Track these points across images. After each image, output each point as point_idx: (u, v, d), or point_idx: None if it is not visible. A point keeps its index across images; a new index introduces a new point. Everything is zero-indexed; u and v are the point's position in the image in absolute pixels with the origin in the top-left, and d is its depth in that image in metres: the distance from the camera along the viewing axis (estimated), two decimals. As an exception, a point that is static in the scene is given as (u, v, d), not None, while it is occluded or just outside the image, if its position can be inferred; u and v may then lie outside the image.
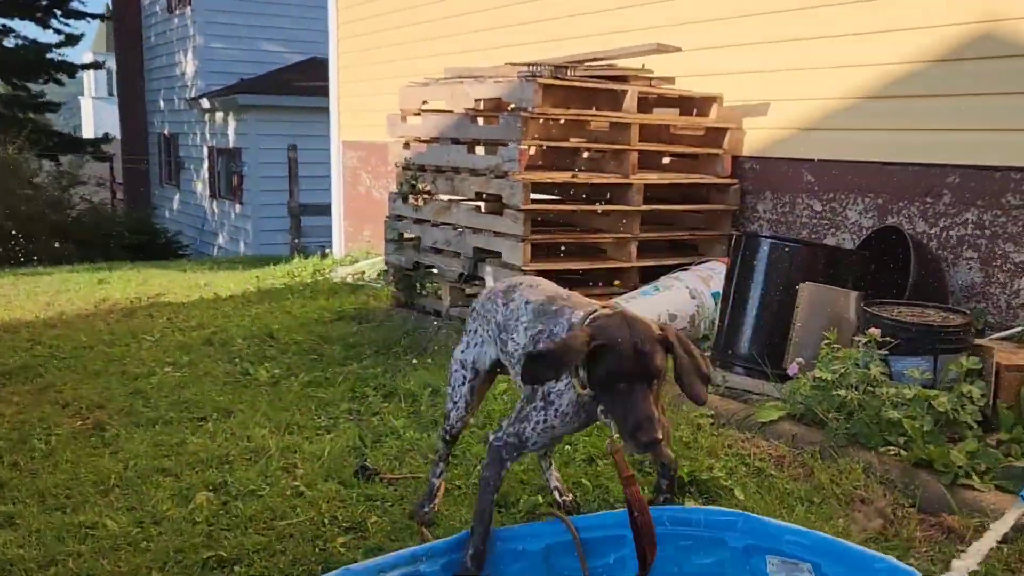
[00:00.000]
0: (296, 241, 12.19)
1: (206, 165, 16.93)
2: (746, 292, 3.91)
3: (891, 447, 3.05)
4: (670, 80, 5.47)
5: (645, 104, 5.16)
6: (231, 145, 15.62)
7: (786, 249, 3.86)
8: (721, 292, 4.19)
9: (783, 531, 2.06)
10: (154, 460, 3.29)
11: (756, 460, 3.12)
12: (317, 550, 2.58)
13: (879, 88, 4.52)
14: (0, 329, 5.79)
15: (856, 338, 3.39)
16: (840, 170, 4.77)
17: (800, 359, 3.58)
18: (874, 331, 3.31)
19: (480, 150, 5.22)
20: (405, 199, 5.65)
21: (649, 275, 4.88)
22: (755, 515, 2.14)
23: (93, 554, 2.60)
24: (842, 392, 3.22)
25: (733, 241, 4.08)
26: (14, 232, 13.19)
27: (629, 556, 2.19)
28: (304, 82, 14.67)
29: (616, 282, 4.87)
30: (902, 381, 3.26)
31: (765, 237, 4.01)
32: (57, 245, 13.70)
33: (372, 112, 8.20)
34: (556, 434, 2.28)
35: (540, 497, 2.82)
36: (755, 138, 5.21)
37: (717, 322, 4.16)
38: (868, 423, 3.12)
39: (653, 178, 5.02)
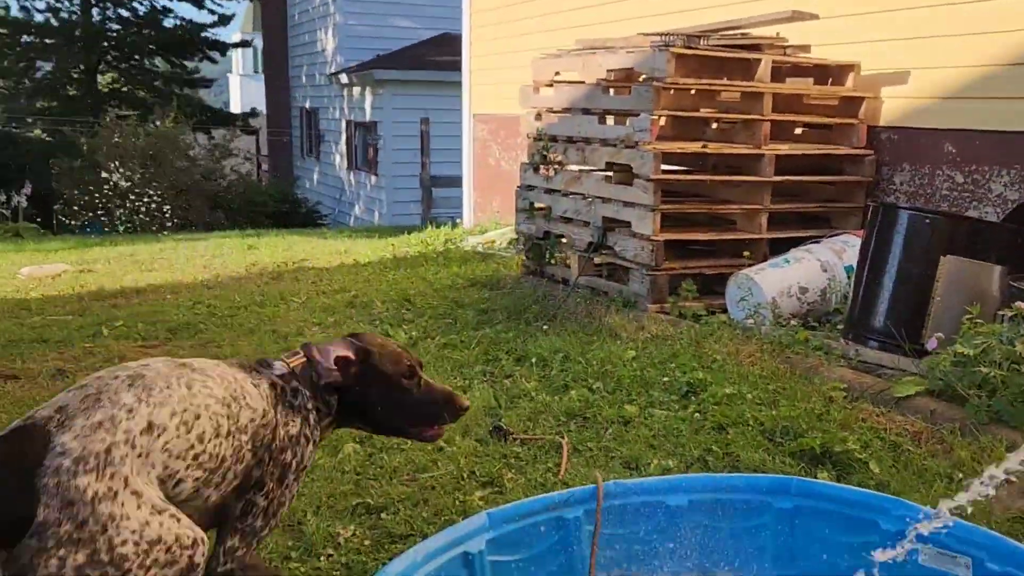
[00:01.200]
0: (427, 212, 12.54)
1: (344, 138, 17.58)
2: (882, 265, 3.82)
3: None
4: (805, 48, 5.33)
5: (778, 73, 5.07)
6: (367, 119, 16.16)
7: (926, 221, 3.74)
8: (855, 265, 4.11)
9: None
10: (305, 413, 3.55)
11: (892, 435, 3.07)
12: (457, 502, 2.72)
13: (1023, 54, 4.29)
14: (166, 290, 6.31)
15: (1000, 313, 3.28)
16: (983, 140, 4.55)
17: (939, 334, 3.48)
18: (1020, 305, 3.19)
19: (611, 120, 5.26)
20: (536, 169, 5.76)
21: (779, 247, 4.81)
22: (913, 503, 2.08)
23: None
24: (984, 368, 3.12)
25: (870, 212, 3.98)
26: (173, 200, 14.19)
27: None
28: (437, 57, 15.00)
29: (745, 253, 4.83)
30: (1050, 358, 3.14)
31: (904, 208, 3.90)
32: (210, 213, 14.65)
33: (503, 85, 8.34)
34: None
35: (671, 461, 2.90)
36: (893, 108, 5.03)
37: (851, 295, 4.08)
38: (1012, 401, 3.03)
39: (785, 149, 4.94)
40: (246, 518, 1.85)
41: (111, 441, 1.54)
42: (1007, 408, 3.03)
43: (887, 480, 2.75)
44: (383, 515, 2.68)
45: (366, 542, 2.54)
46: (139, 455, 1.58)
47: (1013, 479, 1.83)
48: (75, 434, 1.52)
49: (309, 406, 1.96)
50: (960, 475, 2.79)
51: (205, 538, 1.66)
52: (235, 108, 27.90)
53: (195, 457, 1.68)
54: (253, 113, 20.56)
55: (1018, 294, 3.33)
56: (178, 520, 1.60)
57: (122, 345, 4.69)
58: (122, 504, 1.51)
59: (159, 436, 1.62)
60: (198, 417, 1.69)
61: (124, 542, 1.50)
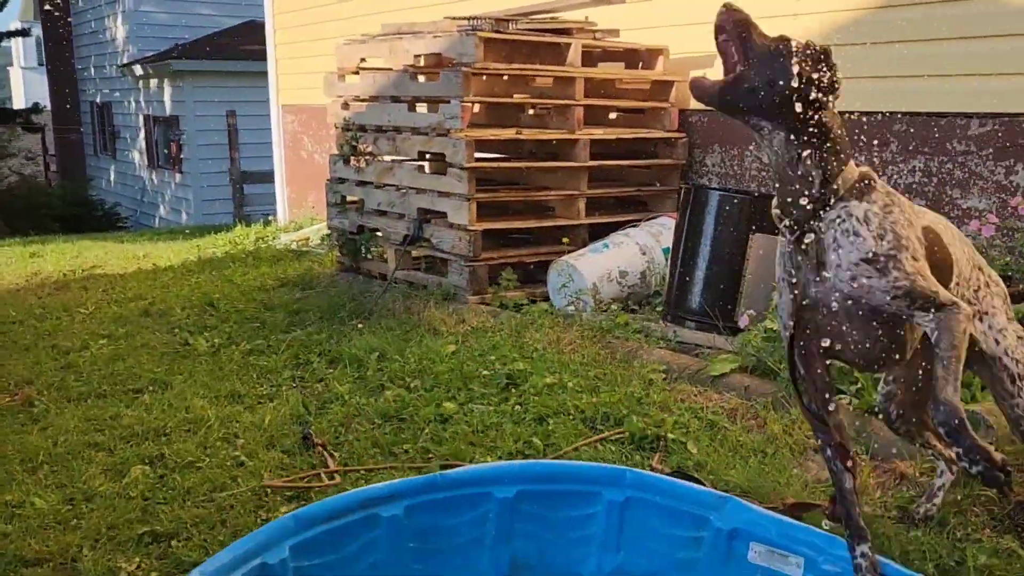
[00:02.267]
0: (239, 210, 11.90)
1: (142, 134, 16.40)
2: (696, 246, 3.86)
3: (842, 395, 3.03)
4: (615, 33, 5.36)
5: (590, 58, 5.06)
6: (168, 113, 15.14)
7: (735, 200, 3.81)
8: (671, 247, 4.14)
9: (775, 522, 1.96)
10: (86, 435, 3.14)
11: (709, 413, 3.09)
12: (260, 520, 2.48)
13: (822, 35, 4.47)
14: (-78, 306, 5.52)
15: (806, 288, 3.37)
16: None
17: (751, 311, 3.55)
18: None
19: (421, 108, 5.07)
20: (346, 161, 5.48)
21: (598, 232, 4.81)
22: (745, 501, 2.04)
23: (20, 533, 2.46)
24: (792, 342, 3.19)
25: (681, 194, 4.02)
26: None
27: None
28: (242, 46, 14.23)
29: (565, 239, 4.79)
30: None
31: (714, 189, 3.97)
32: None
33: (311, 75, 7.95)
34: (786, 314, 1.86)
35: (490, 457, 2.75)
36: (702, 91, 5.13)
37: (667, 277, 4.11)
38: (819, 372, 3.10)
39: (599, 133, 4.93)
40: None
41: None
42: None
43: (705, 460, 2.74)
44: (173, 542, 2.40)
45: (152, 574, 2.26)
46: None
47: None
48: None
49: None
50: (773, 449, 2.82)
51: None
52: (18, 104, 25.52)
53: None
54: (36, 108, 18.75)
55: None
56: None
57: None
58: None
59: None
60: None
61: None
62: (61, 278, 6.57)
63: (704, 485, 2.22)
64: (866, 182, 1.78)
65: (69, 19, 18.50)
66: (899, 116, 4.24)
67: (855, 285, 1.73)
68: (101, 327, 4.78)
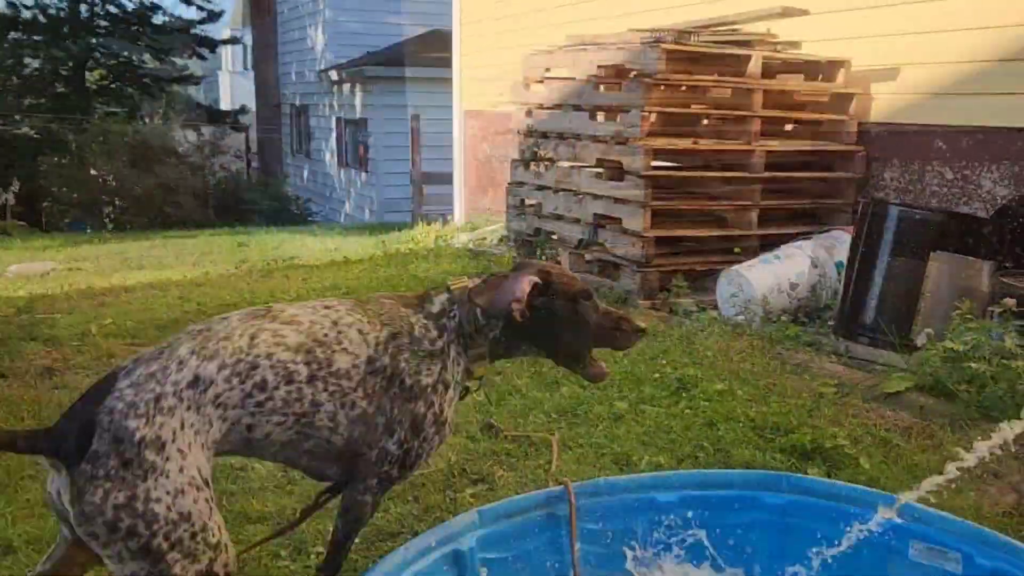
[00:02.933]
0: (419, 209, 12.50)
1: (334, 135, 17.51)
2: (872, 261, 3.83)
3: (1025, 420, 2.95)
4: (796, 45, 5.33)
5: (769, 69, 5.07)
6: (358, 116, 16.09)
7: (916, 217, 3.75)
8: (845, 261, 4.11)
9: (931, 516, 1.99)
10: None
11: (882, 430, 3.07)
12: (447, 499, 2.70)
13: (1015, 50, 4.29)
14: (154, 287, 6.27)
15: (990, 309, 3.29)
16: (972, 137, 4.56)
17: (929, 330, 3.49)
18: (1009, 301, 3.20)
19: (601, 117, 5.24)
20: (527, 165, 5.75)
21: (770, 243, 4.82)
22: (904, 498, 2.08)
23: (244, 493, 2.80)
24: (974, 364, 3.13)
25: (860, 208, 3.99)
26: (161, 198, 14.11)
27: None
28: (427, 53, 14.93)
29: (736, 249, 4.83)
30: (1039, 354, 3.15)
31: (894, 204, 3.91)
32: (199, 210, 14.58)
33: (493, 82, 8.31)
34: None
35: (662, 458, 2.89)
36: (883, 104, 5.03)
37: (841, 291, 4.09)
38: (1002, 396, 3.04)
39: (775, 145, 4.94)
40: (381, 464, 1.89)
41: (159, 391, 1.60)
42: (996, 403, 3.04)
43: (877, 476, 2.75)
44: (376, 512, 2.66)
45: (357, 539, 2.52)
46: (187, 408, 1.62)
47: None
48: (131, 381, 1.61)
49: (449, 349, 1.93)
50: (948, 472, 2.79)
51: (231, 547, 1.67)
52: (225, 105, 27.78)
53: (258, 405, 1.71)
54: (243, 110, 20.43)
55: (1007, 290, 3.34)
56: (210, 511, 1.63)
57: (111, 343, 4.65)
58: (167, 458, 1.57)
59: (206, 390, 1.65)
60: (254, 368, 1.70)
61: (159, 500, 1.56)
62: (265, 266, 7.21)
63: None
64: None
65: (275, 28, 19.98)
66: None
67: None
68: (303, 314, 5.26)
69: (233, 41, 24.01)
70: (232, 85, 31.13)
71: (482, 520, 2.12)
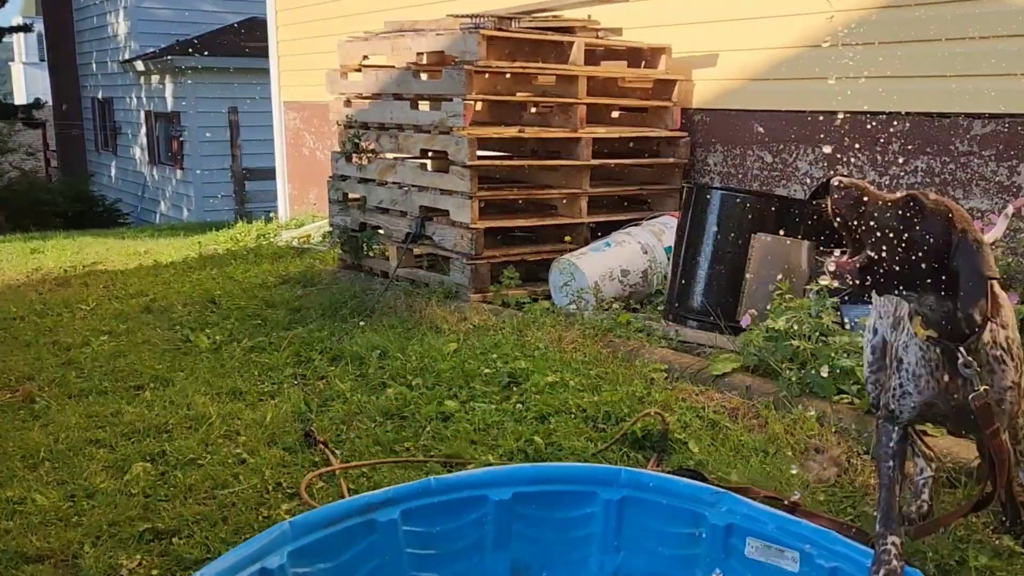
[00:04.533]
0: (241, 206, 11.90)
1: (144, 130, 16.39)
2: (698, 245, 3.86)
3: (844, 395, 3.03)
4: (617, 31, 5.35)
5: (592, 56, 5.05)
6: (169, 109, 15.13)
7: (737, 200, 3.81)
8: (673, 246, 4.13)
9: (771, 517, 1.96)
10: (87, 432, 3.14)
11: (710, 412, 3.09)
12: (261, 518, 2.48)
13: (826, 36, 4.47)
14: (-76, 302, 5.52)
15: (807, 288, 3.37)
16: (790, 120, 4.73)
17: (753, 311, 3.54)
18: (824, 279, 3.28)
19: (424, 106, 5.06)
20: (348, 158, 5.48)
21: (600, 231, 4.81)
22: (742, 498, 2.05)
23: (21, 530, 2.46)
24: (795, 342, 3.19)
25: (684, 194, 4.02)
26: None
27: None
28: (244, 43, 14.22)
29: (567, 238, 4.79)
30: (854, 330, 3.25)
31: (716, 188, 3.96)
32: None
33: (313, 71, 7.95)
34: (915, 402, 1.94)
35: (491, 456, 2.75)
36: (704, 90, 5.14)
37: (669, 276, 4.11)
38: (820, 372, 3.10)
39: (602, 132, 4.93)
40: None
41: None
42: (817, 380, 3.10)
43: (706, 459, 2.74)
44: (175, 540, 2.40)
45: (153, 571, 2.26)
46: None
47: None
48: None
49: None
50: (774, 448, 2.82)
51: None
52: (20, 99, 25.50)
53: None
54: (37, 104, 18.73)
55: (823, 268, 3.43)
56: None
57: None
58: None
59: None
60: None
61: None
62: (62, 274, 6.57)
63: (708, 482, 2.22)
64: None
65: (71, 15, 18.48)
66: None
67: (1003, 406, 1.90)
68: (102, 323, 4.78)
69: (24, 29, 21.97)
70: (27, 77, 28.65)
71: (294, 532, 1.91)
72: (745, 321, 3.51)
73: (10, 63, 31.31)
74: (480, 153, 4.62)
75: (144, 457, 2.90)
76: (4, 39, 20.14)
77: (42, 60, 24.64)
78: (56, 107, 19.10)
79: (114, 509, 2.54)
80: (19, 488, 2.70)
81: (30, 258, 7.65)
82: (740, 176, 4.98)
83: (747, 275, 3.68)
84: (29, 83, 27.86)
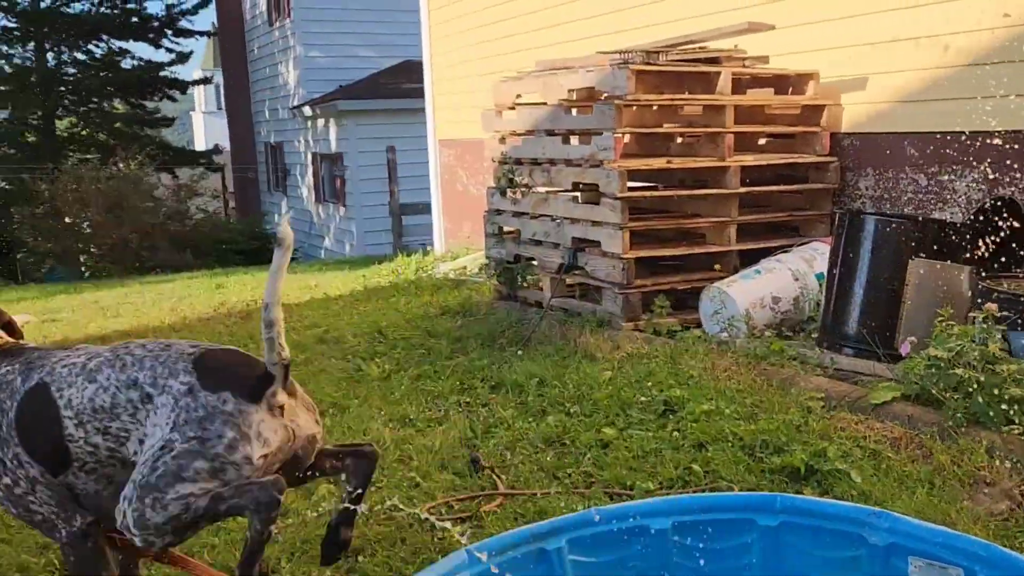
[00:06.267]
0: (399, 240, 12.48)
1: (310, 171, 17.50)
2: (852, 271, 3.82)
3: (1015, 426, 2.93)
4: (764, 59, 5.36)
5: (739, 85, 5.08)
6: (333, 150, 16.09)
7: (892, 225, 3.75)
8: (825, 273, 4.10)
9: (932, 533, 1.95)
10: (278, 455, 3.45)
11: (871, 442, 3.04)
12: (435, 539, 2.66)
13: (982, 55, 4.33)
14: (130, 335, 6.18)
15: (971, 314, 3.28)
16: (944, 142, 4.58)
17: (912, 338, 3.47)
18: (990, 306, 3.18)
19: (575, 140, 5.24)
20: (503, 193, 5.73)
21: (749, 258, 4.81)
22: (899, 514, 2.04)
23: (225, 545, 2.74)
24: (959, 370, 3.11)
25: (836, 220, 3.99)
26: (138, 243, 14.02)
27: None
28: (399, 84, 14.98)
29: (716, 266, 4.82)
30: (1023, 357, 3.13)
31: (870, 214, 3.91)
32: (177, 254, 14.48)
33: (466, 110, 8.32)
34: None
35: (651, 483, 2.85)
36: (854, 114, 5.06)
37: (823, 303, 4.07)
38: (988, 402, 3.01)
39: (750, 160, 4.94)
40: None
41: None
42: (984, 409, 3.01)
43: (869, 490, 2.72)
44: (360, 558, 2.61)
45: (334, 590, 2.47)
46: None
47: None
48: None
49: None
50: (940, 480, 2.77)
51: None
52: (199, 146, 27.75)
53: None
54: (216, 150, 20.41)
55: (987, 293, 3.33)
56: None
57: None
58: None
59: None
60: None
61: None
62: (244, 308, 7.13)
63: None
64: None
65: (246, 67, 20.01)
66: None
67: None
68: (283, 354, 5.19)
69: (204, 82, 24.02)
70: (206, 125, 31.13)
71: (471, 559, 2.07)
72: (905, 349, 3.45)
73: (191, 112, 34.00)
74: (629, 184, 4.74)
75: (328, 480, 3.16)
76: (188, 91, 22.08)
77: (219, 109, 26.67)
78: (234, 152, 20.63)
79: (304, 528, 2.79)
80: (225, 505, 3.02)
81: (215, 293, 8.36)
82: (893, 200, 4.86)
83: (905, 301, 3.61)
84: (208, 131, 30.26)
